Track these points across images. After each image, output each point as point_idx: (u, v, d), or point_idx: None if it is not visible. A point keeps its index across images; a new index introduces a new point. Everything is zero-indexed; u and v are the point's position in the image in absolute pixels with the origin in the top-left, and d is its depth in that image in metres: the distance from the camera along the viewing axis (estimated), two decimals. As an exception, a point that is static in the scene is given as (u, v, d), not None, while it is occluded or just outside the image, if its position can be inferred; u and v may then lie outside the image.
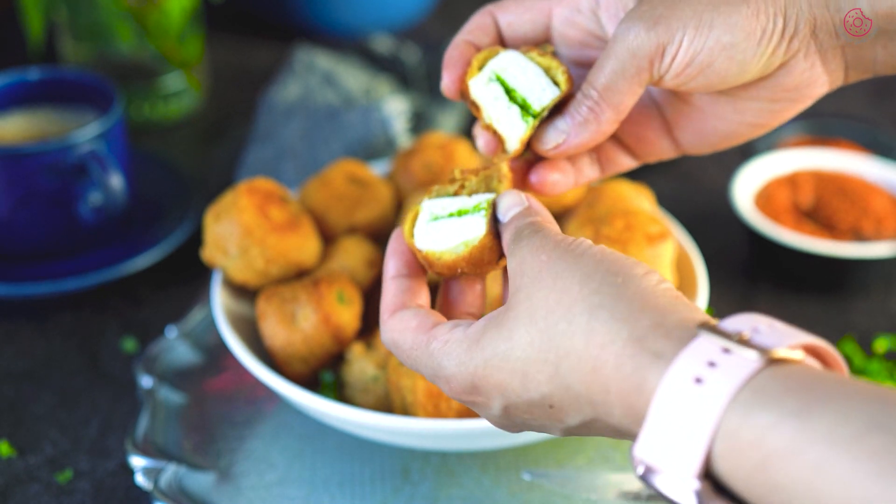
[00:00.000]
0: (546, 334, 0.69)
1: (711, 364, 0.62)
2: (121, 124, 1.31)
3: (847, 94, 1.64)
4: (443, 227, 0.81)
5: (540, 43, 0.88)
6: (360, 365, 1.06)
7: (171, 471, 1.05)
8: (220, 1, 1.85)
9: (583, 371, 0.67)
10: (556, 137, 0.83)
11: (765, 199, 1.36)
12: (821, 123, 1.52)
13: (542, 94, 0.83)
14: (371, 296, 1.14)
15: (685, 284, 1.14)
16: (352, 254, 1.14)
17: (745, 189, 1.37)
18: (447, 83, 0.86)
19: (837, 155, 1.41)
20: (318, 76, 1.59)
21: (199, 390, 1.15)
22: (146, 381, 1.15)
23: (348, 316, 1.09)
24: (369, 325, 1.12)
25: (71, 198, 1.27)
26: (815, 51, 0.80)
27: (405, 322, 0.78)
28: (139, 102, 1.61)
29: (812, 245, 1.28)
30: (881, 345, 1.25)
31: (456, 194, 0.84)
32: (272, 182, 1.17)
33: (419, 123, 1.53)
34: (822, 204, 1.35)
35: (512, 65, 0.84)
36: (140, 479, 1.05)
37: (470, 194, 0.83)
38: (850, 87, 1.71)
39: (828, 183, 1.37)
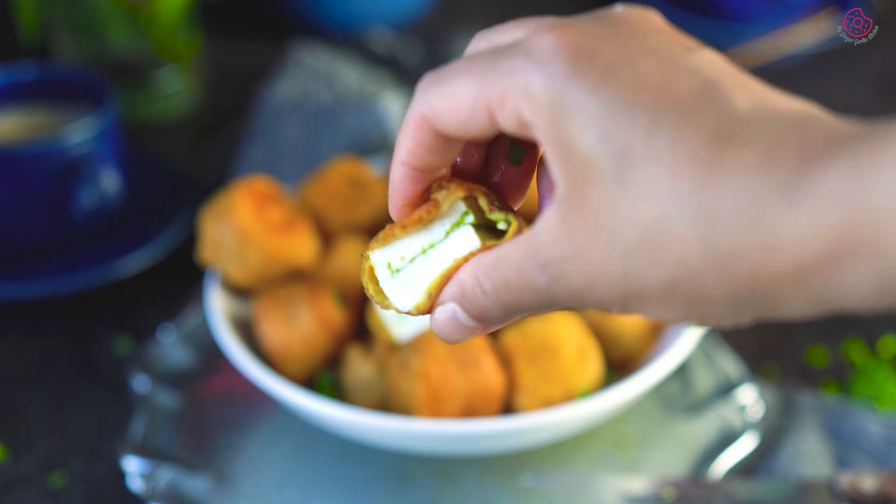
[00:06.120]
0: None
1: None
2: (115, 122, 1.30)
3: (852, 89, 1.63)
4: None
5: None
6: (358, 367, 1.05)
7: (166, 474, 1.04)
8: (216, -4, 1.83)
9: None
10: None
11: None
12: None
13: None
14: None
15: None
16: (350, 254, 1.13)
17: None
18: (393, 213, 0.66)
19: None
20: (316, 73, 1.57)
21: (194, 392, 1.14)
22: (141, 383, 1.13)
23: (346, 317, 1.07)
24: (367, 326, 1.11)
25: (64, 197, 1.26)
26: None
27: None
28: (134, 100, 1.60)
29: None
30: (887, 345, 1.24)
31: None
32: (270, 181, 1.15)
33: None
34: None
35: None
36: (135, 483, 1.03)
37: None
38: (855, 81, 1.70)
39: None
